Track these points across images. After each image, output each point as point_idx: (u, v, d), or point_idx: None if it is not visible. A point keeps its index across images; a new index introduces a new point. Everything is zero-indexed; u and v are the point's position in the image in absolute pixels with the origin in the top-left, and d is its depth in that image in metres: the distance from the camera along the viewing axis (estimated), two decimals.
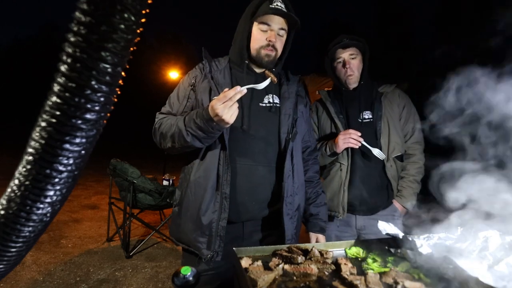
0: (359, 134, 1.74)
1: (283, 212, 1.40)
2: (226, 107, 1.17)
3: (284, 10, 1.40)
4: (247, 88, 1.20)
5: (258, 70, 1.51)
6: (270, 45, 1.41)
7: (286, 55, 1.53)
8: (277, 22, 1.41)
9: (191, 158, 1.46)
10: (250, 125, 1.41)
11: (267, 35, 1.41)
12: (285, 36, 1.47)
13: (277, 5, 1.38)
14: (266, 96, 1.47)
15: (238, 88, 1.17)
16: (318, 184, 1.65)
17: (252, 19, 1.40)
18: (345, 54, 1.87)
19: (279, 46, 1.46)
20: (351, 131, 1.76)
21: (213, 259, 1.35)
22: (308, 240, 1.56)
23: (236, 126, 1.39)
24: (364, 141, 1.77)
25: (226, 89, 1.20)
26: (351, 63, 1.87)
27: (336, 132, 1.91)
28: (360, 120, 1.90)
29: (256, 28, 1.42)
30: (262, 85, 1.26)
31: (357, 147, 1.76)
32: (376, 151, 1.79)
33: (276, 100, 1.49)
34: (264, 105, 1.46)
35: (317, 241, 1.53)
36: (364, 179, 1.87)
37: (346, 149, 1.84)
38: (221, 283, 1.41)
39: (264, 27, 1.41)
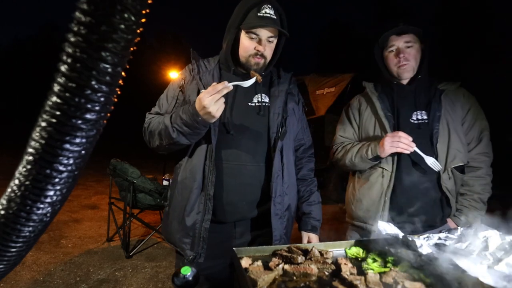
0: (411, 138, 1.47)
1: (272, 212, 1.40)
2: (214, 100, 1.19)
3: (273, 17, 1.37)
4: (233, 85, 1.24)
5: (246, 72, 1.50)
6: (259, 54, 1.41)
7: (275, 60, 1.52)
8: (266, 31, 1.39)
9: (179, 159, 1.48)
10: (239, 125, 1.41)
11: (255, 44, 1.40)
12: (275, 42, 1.45)
13: (265, 12, 1.35)
14: (256, 96, 1.46)
15: (226, 83, 1.20)
16: (312, 182, 1.64)
17: (240, 26, 1.38)
18: (399, 42, 1.58)
19: (269, 53, 1.44)
20: (401, 134, 1.47)
21: (195, 260, 1.36)
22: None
23: (224, 126, 1.40)
24: (416, 146, 1.48)
25: (215, 82, 1.23)
26: (406, 52, 1.58)
27: (380, 133, 1.63)
28: (412, 121, 1.60)
29: (244, 36, 1.40)
30: (247, 83, 1.29)
31: (407, 153, 1.49)
32: (430, 160, 1.49)
33: (266, 99, 1.48)
34: (253, 104, 1.46)
35: (309, 241, 1.52)
36: (413, 190, 1.56)
37: (392, 153, 1.55)
38: (217, 283, 1.41)
39: (253, 35, 1.39)
